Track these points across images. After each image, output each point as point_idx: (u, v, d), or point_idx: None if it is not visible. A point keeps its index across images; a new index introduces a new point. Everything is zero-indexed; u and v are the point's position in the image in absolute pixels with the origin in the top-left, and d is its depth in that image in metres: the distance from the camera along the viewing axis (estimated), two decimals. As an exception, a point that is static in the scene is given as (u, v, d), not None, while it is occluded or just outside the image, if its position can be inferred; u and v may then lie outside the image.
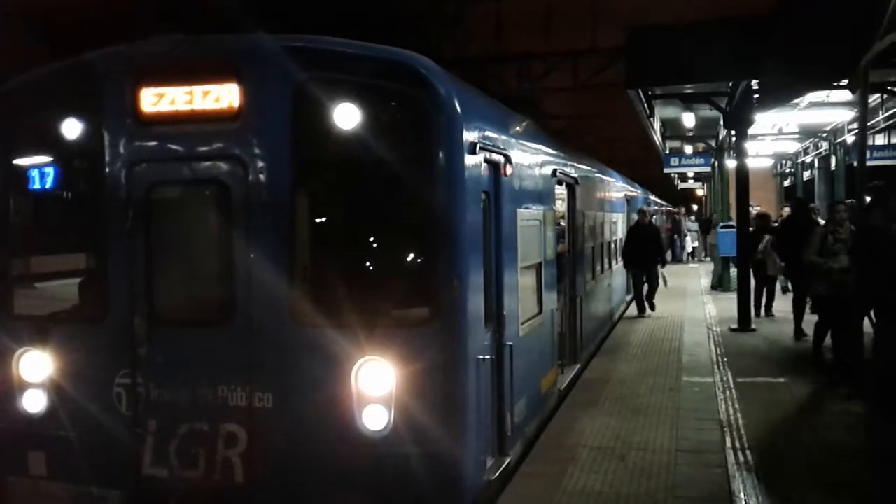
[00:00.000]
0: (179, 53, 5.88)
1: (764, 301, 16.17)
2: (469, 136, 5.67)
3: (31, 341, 6.11)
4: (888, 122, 20.95)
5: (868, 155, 11.38)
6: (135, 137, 5.85)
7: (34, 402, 6.07)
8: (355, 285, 5.64)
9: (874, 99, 17.65)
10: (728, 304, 16.54)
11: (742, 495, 6.36)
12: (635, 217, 17.50)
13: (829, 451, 7.50)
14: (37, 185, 6.31)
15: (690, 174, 41.07)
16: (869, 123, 14.54)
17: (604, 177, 14.92)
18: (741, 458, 7.25)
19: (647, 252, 16.74)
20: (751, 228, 15.91)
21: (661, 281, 17.96)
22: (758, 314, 15.79)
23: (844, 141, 23.11)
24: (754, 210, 18.76)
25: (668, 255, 26.13)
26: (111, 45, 6.10)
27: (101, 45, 6.14)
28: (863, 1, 8.21)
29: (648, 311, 16.99)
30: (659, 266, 17.42)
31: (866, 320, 9.20)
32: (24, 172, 6.32)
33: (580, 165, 11.51)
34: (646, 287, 17.03)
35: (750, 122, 15.68)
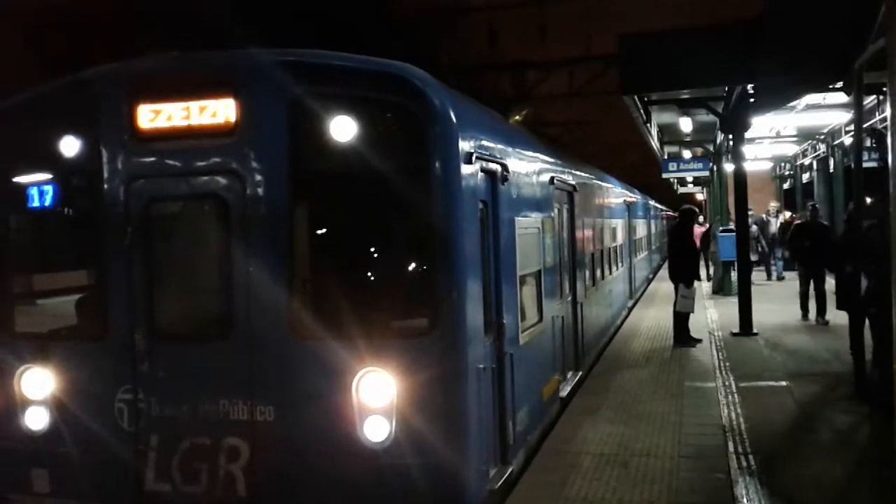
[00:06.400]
0: (175, 70, 5.94)
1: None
2: (465, 146, 5.70)
3: (32, 358, 6.13)
4: (884, 124, 20.97)
5: (865, 156, 11.42)
6: (132, 154, 5.89)
7: (36, 420, 6.09)
8: (354, 297, 5.65)
9: (870, 100, 17.66)
10: (729, 308, 16.54)
11: (745, 500, 6.35)
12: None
13: (832, 454, 7.49)
14: (36, 203, 6.34)
15: (689, 179, 41.08)
16: (865, 125, 14.55)
17: (602, 183, 14.94)
18: (744, 463, 7.24)
19: (682, 263, 13.76)
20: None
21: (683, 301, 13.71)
22: None
23: (842, 143, 23.11)
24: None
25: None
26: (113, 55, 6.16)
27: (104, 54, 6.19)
28: (856, 3, 8.24)
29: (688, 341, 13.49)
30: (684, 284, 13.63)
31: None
32: (23, 190, 6.34)
33: (578, 172, 11.53)
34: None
35: (747, 126, 15.69)
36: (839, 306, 10.26)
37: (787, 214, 24.32)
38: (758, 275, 22.00)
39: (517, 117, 19.01)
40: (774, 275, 23.44)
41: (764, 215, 24.83)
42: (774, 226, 23.71)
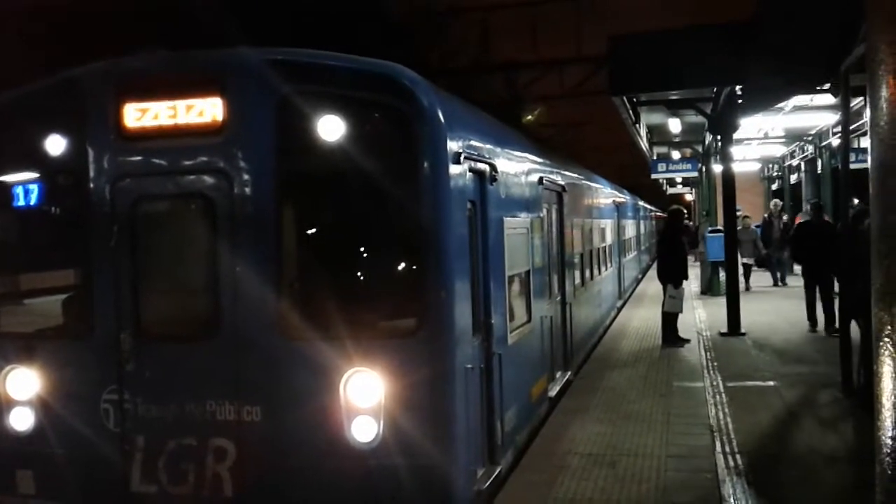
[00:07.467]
0: (163, 68, 5.90)
1: None
2: (453, 146, 5.69)
3: (17, 358, 6.08)
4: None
5: (852, 157, 11.47)
6: (119, 153, 5.86)
7: (21, 420, 6.05)
8: (342, 297, 5.65)
9: (857, 102, 17.76)
10: (717, 308, 16.60)
11: (732, 500, 6.37)
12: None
13: (819, 454, 7.52)
14: (21, 202, 6.30)
15: (678, 179, 41.25)
16: (853, 127, 14.62)
17: (591, 184, 14.97)
18: (731, 463, 7.27)
19: (670, 263, 13.90)
20: None
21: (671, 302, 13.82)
22: None
23: (829, 144, 23.24)
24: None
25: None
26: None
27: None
28: (843, 6, 8.30)
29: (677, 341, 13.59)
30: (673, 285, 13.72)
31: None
32: (8, 189, 6.30)
33: (567, 173, 11.55)
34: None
35: (735, 127, 15.77)
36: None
37: (785, 217, 23.99)
38: (762, 279, 21.83)
39: (529, 117, 19.16)
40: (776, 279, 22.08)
41: (766, 215, 23.94)
42: (777, 227, 22.49)
